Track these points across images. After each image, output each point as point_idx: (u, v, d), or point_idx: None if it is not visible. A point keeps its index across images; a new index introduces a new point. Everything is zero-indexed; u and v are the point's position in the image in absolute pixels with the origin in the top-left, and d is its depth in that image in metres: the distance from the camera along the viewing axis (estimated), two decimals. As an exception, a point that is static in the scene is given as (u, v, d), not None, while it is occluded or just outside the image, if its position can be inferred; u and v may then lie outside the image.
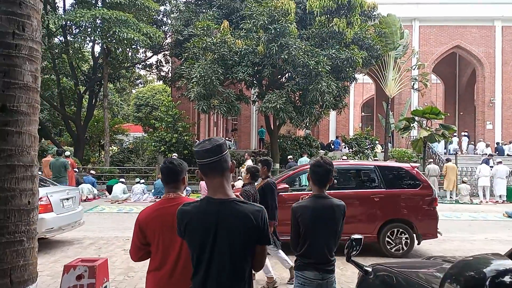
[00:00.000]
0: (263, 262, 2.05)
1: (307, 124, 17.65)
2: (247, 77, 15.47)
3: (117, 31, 15.45)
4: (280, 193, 6.51)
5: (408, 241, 7.11)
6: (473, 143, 23.71)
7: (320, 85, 14.39)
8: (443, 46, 24.19)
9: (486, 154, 19.00)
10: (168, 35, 21.04)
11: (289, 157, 16.32)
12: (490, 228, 10.38)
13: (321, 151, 20.19)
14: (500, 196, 15.66)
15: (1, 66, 2.33)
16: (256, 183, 5.37)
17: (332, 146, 22.18)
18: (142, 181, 15.50)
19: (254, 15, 15.25)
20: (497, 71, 23.70)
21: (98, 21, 16.23)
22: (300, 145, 19.36)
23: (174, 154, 16.57)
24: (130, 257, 2.50)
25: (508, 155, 20.67)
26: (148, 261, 2.43)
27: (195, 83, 14.78)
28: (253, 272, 2.04)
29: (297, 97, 16.46)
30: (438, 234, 7.31)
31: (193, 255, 1.97)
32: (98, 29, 16.21)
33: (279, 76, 17.24)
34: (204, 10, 18.29)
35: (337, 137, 23.26)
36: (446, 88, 30.26)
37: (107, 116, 19.75)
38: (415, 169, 7.59)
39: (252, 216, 1.90)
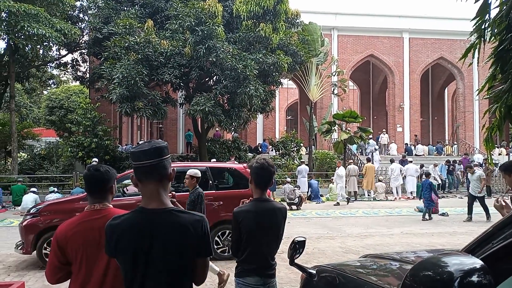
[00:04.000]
0: (205, 275, 1.88)
1: (236, 127, 17.68)
2: (174, 79, 15.03)
3: (26, 26, 14.02)
4: None
5: None
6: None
7: (248, 89, 14.49)
8: (358, 54, 25.97)
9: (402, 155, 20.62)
10: (85, 33, 19.62)
11: (212, 160, 16.00)
12: (404, 223, 11.29)
13: (249, 154, 20.37)
14: (411, 193, 17.19)
15: None
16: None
17: (260, 149, 22.52)
18: (56, 189, 14.13)
19: (180, 16, 14.89)
20: (405, 79, 26.10)
21: (4, 14, 14.61)
22: (229, 149, 19.34)
23: (94, 159, 15.45)
24: (46, 278, 2.16)
25: (416, 155, 22.81)
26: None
27: (117, 84, 13.98)
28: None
29: (225, 100, 16.41)
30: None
31: (126, 275, 1.74)
32: (4, 23, 14.57)
33: (207, 79, 17.03)
34: (125, 8, 17.41)
35: (264, 140, 23.68)
36: (362, 93, 32.59)
37: (14, 120, 17.77)
38: (247, 169, 7.54)
39: (191, 227, 1.73)
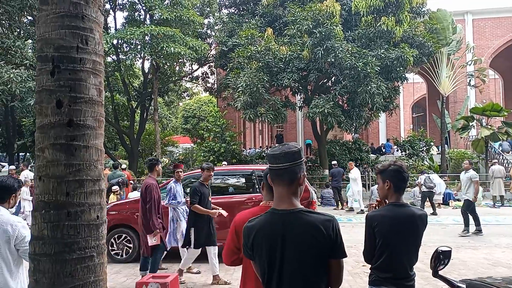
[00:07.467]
0: (341, 279, 1.83)
1: (357, 128, 17.07)
2: (293, 83, 15.28)
3: (165, 46, 15.88)
4: None
5: None
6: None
7: (369, 87, 13.87)
8: (500, 39, 22.60)
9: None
10: (212, 47, 21.39)
11: (333, 162, 15.50)
12: None
13: (371, 155, 19.45)
14: None
15: (67, 81, 2.34)
16: None
17: (383, 150, 21.31)
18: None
19: (297, 20, 15.08)
20: None
21: (147, 38, 16.79)
22: (349, 150, 18.77)
23: (224, 163, 16.68)
24: (223, 260, 2.31)
25: None
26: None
27: (241, 92, 14.82)
28: None
29: (344, 101, 16.01)
30: None
31: (263, 275, 1.81)
32: (147, 46, 16.78)
33: (325, 80, 16.88)
34: (247, 20, 18.39)
35: (388, 140, 22.34)
36: (505, 83, 28.20)
37: (158, 129, 20.36)
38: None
39: (323, 227, 1.72)
